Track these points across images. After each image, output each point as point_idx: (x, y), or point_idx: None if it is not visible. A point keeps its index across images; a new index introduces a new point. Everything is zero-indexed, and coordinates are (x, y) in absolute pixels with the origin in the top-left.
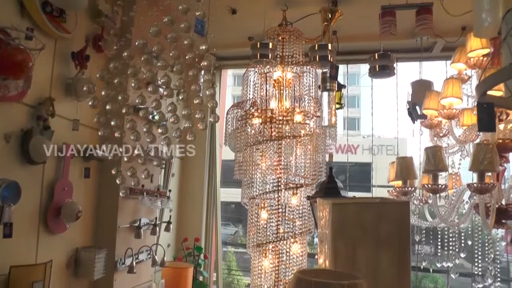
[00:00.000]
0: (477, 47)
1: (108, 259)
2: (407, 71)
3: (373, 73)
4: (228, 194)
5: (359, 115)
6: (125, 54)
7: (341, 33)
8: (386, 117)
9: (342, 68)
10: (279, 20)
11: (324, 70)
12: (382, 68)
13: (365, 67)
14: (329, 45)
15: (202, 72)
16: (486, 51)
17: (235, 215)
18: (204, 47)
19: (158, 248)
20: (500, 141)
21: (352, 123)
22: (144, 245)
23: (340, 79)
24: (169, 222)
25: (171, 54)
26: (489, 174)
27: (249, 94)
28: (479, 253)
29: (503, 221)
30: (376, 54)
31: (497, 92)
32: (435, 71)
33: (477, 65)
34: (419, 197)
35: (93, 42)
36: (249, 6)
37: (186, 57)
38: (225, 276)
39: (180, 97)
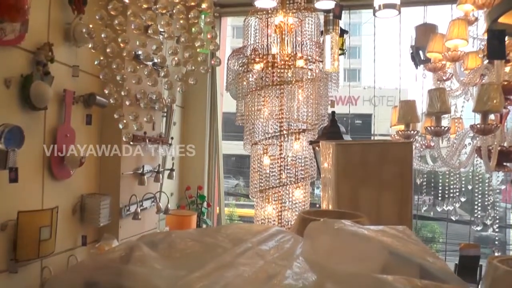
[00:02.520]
0: None
1: (113, 206)
2: (411, 17)
3: (378, 12)
4: (229, 147)
5: (360, 66)
6: None
7: None
8: (387, 68)
9: (343, 17)
10: None
11: (326, 13)
12: (387, 6)
13: (366, 15)
14: None
15: (203, 16)
16: None
17: (235, 167)
18: None
19: (162, 195)
20: (506, 82)
21: (352, 74)
22: (148, 192)
23: (343, 26)
24: (172, 170)
25: None
26: (492, 117)
27: (251, 40)
28: (479, 198)
29: (505, 163)
30: None
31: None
32: (440, 16)
33: (486, 4)
34: (421, 142)
35: None
36: None
37: None
38: None
39: (181, 40)
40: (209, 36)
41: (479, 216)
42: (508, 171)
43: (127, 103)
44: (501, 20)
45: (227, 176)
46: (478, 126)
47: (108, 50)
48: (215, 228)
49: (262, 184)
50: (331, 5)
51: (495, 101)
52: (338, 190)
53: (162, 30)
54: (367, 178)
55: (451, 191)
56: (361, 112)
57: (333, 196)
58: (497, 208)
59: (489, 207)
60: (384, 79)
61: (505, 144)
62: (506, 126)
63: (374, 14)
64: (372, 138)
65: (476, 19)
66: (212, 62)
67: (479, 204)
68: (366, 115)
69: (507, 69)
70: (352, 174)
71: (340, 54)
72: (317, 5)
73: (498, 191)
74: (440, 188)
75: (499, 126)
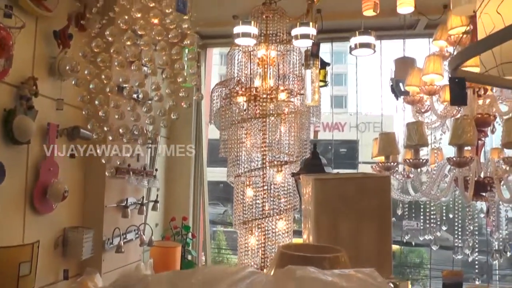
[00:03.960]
0: (457, 25)
1: (96, 239)
2: (392, 48)
3: (354, 50)
4: (217, 174)
5: (346, 92)
6: (107, 32)
7: (326, 11)
8: (372, 94)
9: (327, 46)
10: None
11: (307, 48)
12: (363, 46)
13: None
14: (310, 23)
15: (186, 50)
16: (465, 28)
17: (223, 194)
18: (186, 26)
19: (146, 227)
20: (479, 116)
21: (339, 100)
22: (131, 224)
23: (326, 57)
24: (156, 201)
25: (153, 33)
26: (469, 148)
27: (234, 72)
28: (459, 226)
29: (482, 193)
30: (357, 32)
31: (475, 68)
32: (419, 48)
33: (457, 42)
34: (402, 172)
35: (76, 20)
36: None
37: (169, 35)
38: (215, 256)
39: (164, 76)
40: (191, 72)
41: (459, 244)
42: (485, 200)
43: (110, 138)
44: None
45: (215, 203)
46: (454, 159)
47: (91, 86)
48: (190, 271)
49: (245, 216)
50: (308, 43)
51: (469, 134)
52: (317, 223)
53: (145, 66)
54: (346, 211)
55: (432, 220)
56: (349, 138)
57: (313, 229)
58: (477, 234)
59: (468, 236)
60: (370, 105)
61: (481, 175)
62: (485, 156)
63: (350, 53)
64: (357, 166)
65: (450, 55)
66: (195, 97)
67: (460, 232)
68: (352, 141)
69: (480, 101)
70: (331, 208)
71: (322, 86)
72: (295, 43)
73: (482, 216)
74: (421, 217)
75: (474, 159)
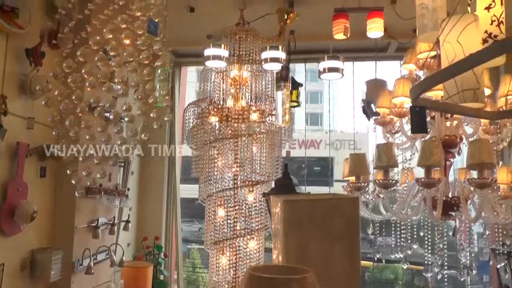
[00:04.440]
0: (425, 50)
1: (65, 261)
2: (366, 69)
3: (323, 74)
4: (192, 191)
5: (322, 110)
6: (79, 53)
7: (299, 32)
8: (347, 112)
9: (301, 66)
10: (238, 19)
11: (278, 70)
12: (331, 70)
13: None
14: (280, 47)
15: (159, 71)
16: (434, 53)
17: (199, 211)
18: (157, 47)
19: (118, 247)
20: (447, 137)
21: (314, 118)
22: (102, 245)
23: (300, 76)
24: (127, 221)
25: (125, 54)
26: (437, 168)
27: (207, 92)
28: (429, 243)
29: (451, 213)
30: (325, 56)
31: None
32: (391, 70)
33: (426, 66)
34: (373, 192)
35: (49, 38)
36: (207, 4)
37: (140, 57)
38: (190, 274)
39: (135, 96)
40: (163, 92)
41: (429, 262)
42: (453, 219)
43: (80, 158)
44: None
45: (190, 220)
46: (422, 180)
47: (61, 106)
48: None
49: (216, 235)
50: (277, 67)
51: (436, 156)
52: (286, 244)
53: (117, 86)
54: (315, 232)
55: (403, 238)
56: (324, 155)
57: (282, 249)
58: (445, 253)
59: (436, 254)
60: (345, 123)
61: (450, 195)
62: (454, 176)
63: (319, 76)
64: (332, 183)
65: (419, 78)
66: (166, 118)
67: (430, 250)
68: (327, 158)
69: (447, 123)
70: (300, 228)
71: (294, 106)
72: (265, 66)
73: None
74: (393, 231)
75: (442, 179)
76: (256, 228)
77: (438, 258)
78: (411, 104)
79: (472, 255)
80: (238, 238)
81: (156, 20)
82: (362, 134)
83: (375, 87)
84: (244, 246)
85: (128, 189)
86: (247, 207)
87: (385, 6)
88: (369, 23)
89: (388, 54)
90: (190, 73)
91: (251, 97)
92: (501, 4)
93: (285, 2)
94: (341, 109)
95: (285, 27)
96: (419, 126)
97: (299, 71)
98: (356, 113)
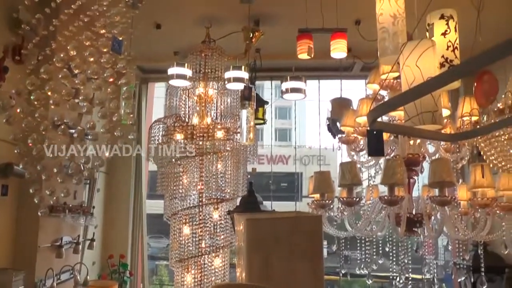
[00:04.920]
0: (388, 71)
1: (27, 281)
2: (332, 87)
3: (285, 94)
4: (160, 206)
5: (291, 126)
6: (42, 70)
7: (265, 50)
8: (315, 129)
9: (267, 83)
10: (204, 36)
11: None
12: (294, 90)
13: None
14: (243, 66)
15: (124, 89)
16: (396, 74)
17: (167, 227)
18: (120, 65)
19: (82, 267)
20: (410, 156)
21: (283, 134)
22: (66, 264)
23: (268, 93)
24: (92, 240)
25: (89, 71)
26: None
27: (173, 109)
28: (394, 258)
29: (415, 229)
30: (288, 77)
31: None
32: (357, 88)
33: (389, 86)
34: (338, 209)
35: (12, 53)
36: (173, 21)
37: (105, 74)
38: None
39: (99, 114)
40: (127, 111)
41: (395, 277)
42: (417, 235)
43: (44, 177)
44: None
45: (159, 236)
46: (385, 197)
47: (23, 124)
48: None
49: (181, 253)
50: (240, 86)
51: (399, 175)
52: (249, 262)
53: (81, 104)
54: (278, 249)
55: (367, 254)
56: (292, 171)
57: (245, 267)
58: (410, 265)
59: (402, 269)
60: (314, 139)
61: (413, 212)
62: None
63: (281, 96)
64: (301, 199)
65: (383, 98)
66: (130, 136)
67: (395, 265)
68: (294, 174)
69: (411, 142)
70: (263, 247)
71: (260, 124)
72: (228, 86)
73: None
74: (358, 246)
75: (405, 197)
76: (221, 245)
77: (402, 272)
78: (367, 129)
79: (435, 270)
80: (204, 256)
81: (120, 38)
82: (331, 150)
83: (340, 106)
84: (209, 264)
85: (93, 207)
86: (212, 224)
87: (349, 27)
88: (332, 43)
89: (354, 73)
90: (160, 89)
91: (216, 115)
92: (455, 30)
93: (251, 21)
94: (310, 125)
95: (251, 46)
96: (376, 149)
97: (268, 87)
98: (322, 130)
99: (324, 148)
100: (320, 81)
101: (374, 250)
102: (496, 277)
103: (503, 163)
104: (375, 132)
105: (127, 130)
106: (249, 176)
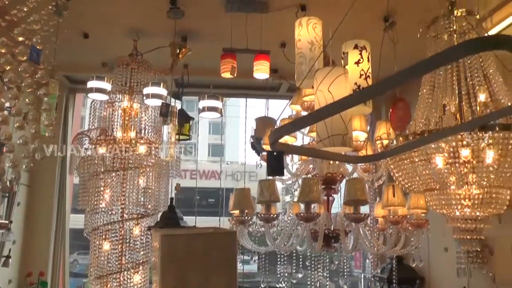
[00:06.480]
0: (310, 93)
1: None
2: (259, 106)
3: (202, 113)
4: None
5: (224, 141)
6: None
7: (193, 66)
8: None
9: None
10: (132, 48)
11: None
12: (210, 109)
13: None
14: (161, 83)
15: (45, 99)
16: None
17: None
18: (38, 75)
19: None
20: (329, 175)
21: (217, 149)
22: None
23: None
24: (8, 257)
25: (6, 80)
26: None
27: (96, 122)
28: (314, 272)
29: (333, 244)
30: (205, 95)
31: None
32: (284, 108)
33: (310, 108)
34: (258, 224)
35: None
36: (101, 32)
37: (23, 84)
38: None
39: (16, 125)
40: (46, 123)
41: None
42: (334, 250)
43: None
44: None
45: (86, 252)
46: (302, 214)
47: None
48: None
49: (101, 270)
50: (158, 103)
51: (315, 193)
52: (163, 278)
53: None
54: (194, 265)
55: (284, 268)
56: (228, 186)
57: (159, 284)
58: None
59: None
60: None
61: (331, 228)
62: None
63: (198, 114)
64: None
65: None
66: (49, 149)
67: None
68: (227, 189)
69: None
70: (178, 263)
71: (185, 140)
72: (147, 101)
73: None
74: (278, 266)
75: (321, 214)
76: (141, 261)
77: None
78: (268, 150)
79: (348, 282)
80: (123, 272)
81: (39, 48)
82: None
83: (264, 125)
84: (129, 280)
85: (11, 222)
86: (133, 240)
87: (276, 49)
88: (256, 64)
89: (280, 93)
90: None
91: (140, 129)
92: (368, 60)
93: (179, 37)
94: (242, 141)
95: (177, 61)
96: (275, 170)
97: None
98: (248, 148)
99: (255, 164)
100: (247, 99)
101: (294, 264)
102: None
103: (409, 184)
104: (275, 153)
105: (46, 142)
106: (175, 192)
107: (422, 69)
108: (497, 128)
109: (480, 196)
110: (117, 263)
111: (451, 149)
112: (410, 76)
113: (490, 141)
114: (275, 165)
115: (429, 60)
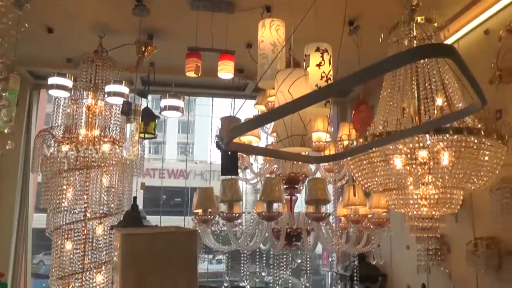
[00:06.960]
0: (274, 94)
1: None
2: (229, 106)
3: (163, 111)
4: None
5: (193, 141)
6: None
7: (159, 65)
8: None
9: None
10: (97, 45)
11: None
12: (172, 108)
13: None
14: (124, 81)
15: (3, 94)
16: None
17: None
18: None
19: None
20: (292, 174)
21: (185, 148)
22: None
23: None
24: None
25: None
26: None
27: (59, 119)
28: (276, 270)
29: (295, 242)
30: (167, 94)
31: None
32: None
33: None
34: (221, 223)
35: None
36: (66, 27)
37: None
38: None
39: None
40: (5, 119)
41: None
42: (297, 249)
43: None
44: None
45: (48, 252)
46: (263, 213)
47: None
48: None
49: (63, 270)
50: (120, 101)
51: (277, 192)
52: (124, 278)
53: None
54: (154, 265)
55: (246, 267)
56: (193, 185)
57: (120, 283)
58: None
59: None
60: (213, 155)
61: (294, 227)
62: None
63: (160, 113)
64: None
65: None
66: (8, 147)
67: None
68: (194, 188)
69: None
70: (138, 262)
71: (150, 138)
72: (108, 99)
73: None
74: (242, 267)
75: (282, 213)
76: (104, 261)
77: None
78: (222, 150)
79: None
80: (86, 272)
81: None
82: None
83: (229, 124)
84: (91, 280)
85: None
86: (95, 239)
87: (241, 49)
88: (220, 64)
89: (246, 93)
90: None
91: (104, 127)
92: (329, 63)
93: (145, 35)
94: (211, 141)
95: (143, 59)
96: (229, 169)
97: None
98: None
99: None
100: (213, 99)
101: (257, 262)
102: (372, 285)
103: (368, 184)
104: (230, 153)
105: (7, 138)
106: (142, 191)
107: (374, 72)
108: (450, 132)
109: (436, 196)
110: (79, 263)
111: (409, 151)
112: (362, 79)
113: (445, 143)
114: (229, 165)
115: (381, 63)
